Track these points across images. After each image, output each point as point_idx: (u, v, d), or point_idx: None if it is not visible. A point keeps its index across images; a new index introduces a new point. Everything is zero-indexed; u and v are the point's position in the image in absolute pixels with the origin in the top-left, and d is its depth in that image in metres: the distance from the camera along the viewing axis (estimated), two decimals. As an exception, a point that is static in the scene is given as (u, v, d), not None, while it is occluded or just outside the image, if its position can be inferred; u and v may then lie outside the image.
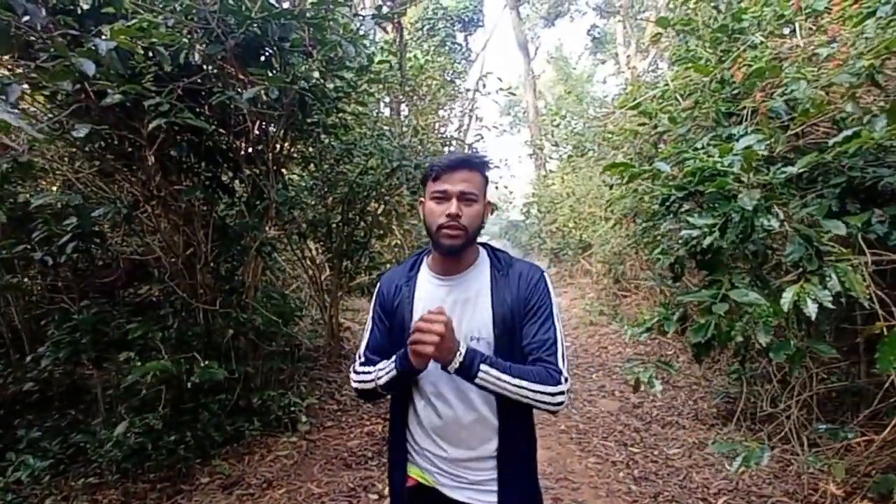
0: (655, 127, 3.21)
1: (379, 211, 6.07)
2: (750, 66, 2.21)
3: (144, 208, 3.17)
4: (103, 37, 1.99)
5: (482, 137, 5.87)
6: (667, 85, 3.18)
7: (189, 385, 3.24)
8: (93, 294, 3.29)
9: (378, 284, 1.63)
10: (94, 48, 1.96)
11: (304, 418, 4.11)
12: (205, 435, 3.55)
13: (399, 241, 9.90)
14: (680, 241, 2.02)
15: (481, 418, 1.45)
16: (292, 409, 4.06)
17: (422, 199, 1.50)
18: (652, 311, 7.68)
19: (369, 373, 1.48)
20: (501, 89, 7.63)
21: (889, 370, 1.65)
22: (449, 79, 7.71)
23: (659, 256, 2.21)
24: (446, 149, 5.75)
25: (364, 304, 9.63)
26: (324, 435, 4.20)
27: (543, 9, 21.65)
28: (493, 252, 1.56)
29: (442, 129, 7.02)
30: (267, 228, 3.61)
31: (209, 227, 3.70)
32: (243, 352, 4.04)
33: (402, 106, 9.46)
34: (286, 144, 4.19)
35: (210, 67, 2.57)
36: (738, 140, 1.97)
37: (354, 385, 1.54)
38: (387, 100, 7.57)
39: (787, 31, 2.66)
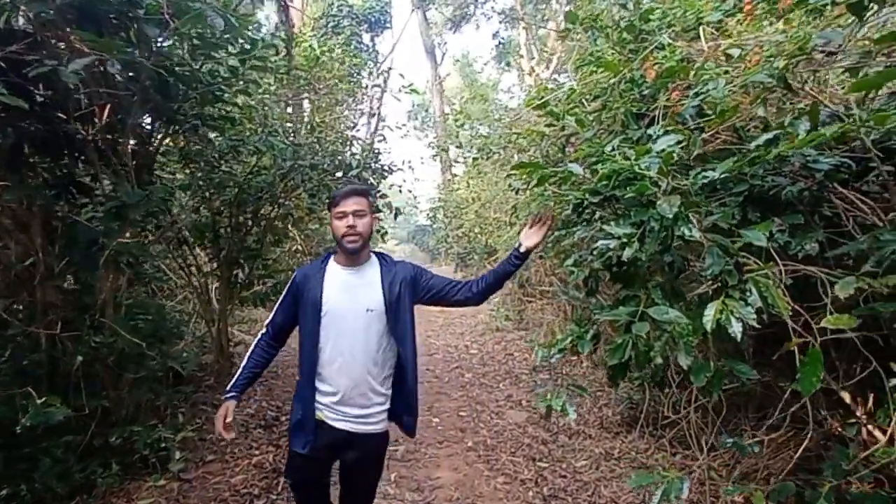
0: (563, 129, 3.07)
1: (273, 215, 5.55)
2: (662, 64, 2.09)
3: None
4: None
5: (384, 138, 5.56)
6: (572, 89, 3.05)
7: (19, 429, 2.63)
8: None
9: (294, 274, 2.26)
10: None
11: (177, 455, 3.54)
12: (45, 487, 2.92)
13: (300, 247, 9.31)
14: (595, 253, 1.84)
15: (366, 371, 2.11)
16: (163, 445, 3.48)
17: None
18: (562, 324, 7.76)
19: (250, 357, 2.26)
20: (404, 87, 7.37)
21: (811, 391, 1.55)
22: (348, 73, 7.31)
23: (572, 269, 2.03)
24: (348, 149, 5.38)
25: (262, 315, 8.93)
26: (202, 472, 3.66)
27: (449, 10, 21.67)
28: (382, 256, 2.27)
29: (342, 128, 6.61)
30: (127, 234, 3.05)
31: (55, 233, 3.09)
32: (102, 381, 3.42)
33: (305, 103, 8.91)
34: (158, 137, 3.63)
35: (47, 35, 2.04)
36: (655, 141, 1.81)
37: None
38: (289, 95, 7.03)
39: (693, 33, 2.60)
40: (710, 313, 1.61)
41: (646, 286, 1.77)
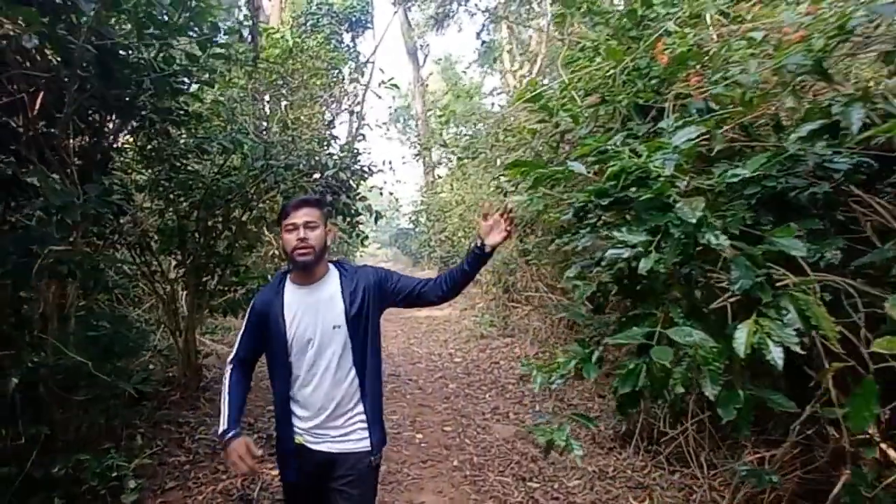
0: (556, 125, 2.82)
1: (245, 218, 5.21)
2: (673, 50, 1.85)
3: None
4: None
5: (364, 137, 5.26)
6: (565, 83, 2.81)
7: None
8: None
9: (253, 300, 2.13)
10: None
11: (132, 484, 3.19)
12: (-25, 526, 2.58)
13: (277, 251, 8.93)
14: (603, 263, 1.58)
15: (344, 390, 1.99)
16: (115, 474, 3.14)
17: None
18: (549, 331, 7.52)
19: (228, 395, 2.05)
20: (384, 82, 7.06)
21: (864, 428, 1.31)
22: (325, 67, 6.95)
23: (576, 283, 1.76)
24: (325, 149, 5.09)
25: (235, 323, 8.53)
26: (160, 502, 3.32)
27: (431, 8, 21.34)
28: (341, 265, 2.13)
29: (319, 126, 6.24)
30: (72, 239, 2.72)
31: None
32: (45, 404, 3.07)
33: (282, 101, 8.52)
34: (112, 133, 3.30)
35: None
36: (670, 135, 1.56)
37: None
38: (260, 89, 6.69)
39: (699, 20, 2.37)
40: (742, 336, 1.37)
41: (662, 302, 1.52)
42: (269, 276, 6.83)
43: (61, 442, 3.22)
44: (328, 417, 1.99)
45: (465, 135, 7.05)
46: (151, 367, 5.49)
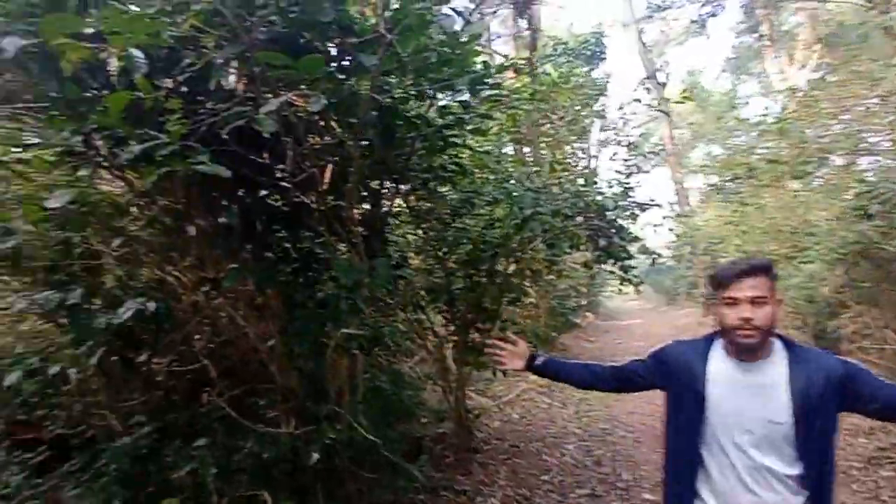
0: None
1: (509, 270, 4.93)
2: None
3: (194, 295, 2.33)
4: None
5: (639, 169, 4.56)
6: None
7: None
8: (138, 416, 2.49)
9: (663, 347, 1.91)
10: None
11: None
12: None
13: (534, 300, 8.60)
14: None
15: (770, 490, 1.60)
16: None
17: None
18: None
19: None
20: (666, 99, 6.20)
21: None
22: (591, 96, 6.44)
23: None
24: (595, 188, 4.54)
25: (498, 377, 8.33)
26: None
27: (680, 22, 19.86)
28: (787, 343, 1.69)
29: (587, 161, 5.77)
30: (363, 314, 2.62)
31: (292, 311, 2.83)
32: (341, 477, 3.03)
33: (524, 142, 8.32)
34: (388, 197, 3.28)
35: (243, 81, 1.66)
36: None
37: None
38: (521, 129, 6.52)
39: None
40: None
41: None
42: (539, 332, 6.41)
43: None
44: None
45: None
46: (424, 420, 5.50)
